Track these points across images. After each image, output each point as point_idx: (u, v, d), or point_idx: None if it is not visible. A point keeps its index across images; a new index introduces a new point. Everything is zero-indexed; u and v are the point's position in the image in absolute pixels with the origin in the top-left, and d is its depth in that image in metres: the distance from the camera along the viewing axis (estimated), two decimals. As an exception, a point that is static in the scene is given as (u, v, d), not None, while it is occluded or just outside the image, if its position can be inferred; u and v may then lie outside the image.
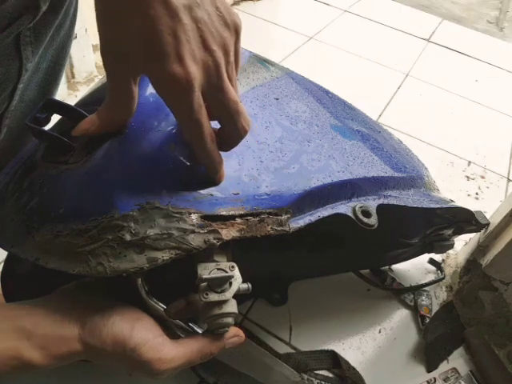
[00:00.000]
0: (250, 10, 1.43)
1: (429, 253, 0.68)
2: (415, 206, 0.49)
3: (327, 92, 0.57)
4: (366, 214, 0.41)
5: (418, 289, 0.68)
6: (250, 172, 0.36)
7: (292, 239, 0.50)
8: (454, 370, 0.60)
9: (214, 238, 0.32)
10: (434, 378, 0.59)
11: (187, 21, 0.26)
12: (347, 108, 0.57)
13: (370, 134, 0.53)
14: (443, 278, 0.70)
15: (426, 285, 0.68)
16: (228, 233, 0.32)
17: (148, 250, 0.30)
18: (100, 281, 0.34)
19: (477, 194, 0.92)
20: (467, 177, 0.96)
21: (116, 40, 0.27)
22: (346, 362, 0.58)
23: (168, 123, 0.34)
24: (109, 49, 0.28)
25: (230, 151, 0.33)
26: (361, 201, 0.43)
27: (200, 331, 0.36)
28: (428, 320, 0.64)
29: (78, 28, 0.90)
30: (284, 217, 0.36)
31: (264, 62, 0.51)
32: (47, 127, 0.33)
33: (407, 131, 1.04)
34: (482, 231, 0.65)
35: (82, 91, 0.96)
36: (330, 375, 0.57)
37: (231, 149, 0.33)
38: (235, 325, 0.35)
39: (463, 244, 0.74)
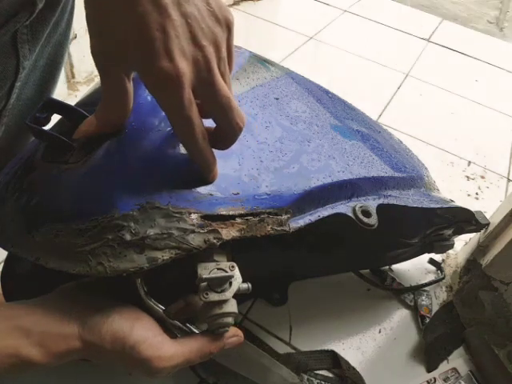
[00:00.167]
0: (250, 10, 1.43)
1: (429, 253, 0.68)
2: (415, 205, 0.49)
3: (327, 92, 0.57)
4: (366, 213, 0.41)
5: (417, 289, 0.68)
6: (250, 172, 0.36)
7: (292, 239, 0.50)
8: (454, 369, 0.60)
9: (214, 238, 0.32)
10: (434, 378, 0.59)
11: (176, 16, 0.26)
12: (347, 108, 0.57)
13: (369, 134, 0.53)
14: (443, 278, 0.70)
15: (426, 285, 0.68)
16: (228, 233, 0.32)
17: (148, 249, 0.30)
18: (100, 281, 0.34)
19: (477, 194, 0.92)
20: (467, 177, 0.96)
21: (105, 38, 0.27)
22: (346, 362, 0.58)
23: (168, 123, 0.34)
24: (99, 48, 0.28)
25: (229, 151, 0.33)
26: (361, 201, 0.43)
27: (197, 332, 0.36)
28: (428, 320, 0.64)
29: (78, 28, 0.89)
30: (284, 217, 0.36)
31: (264, 61, 0.51)
32: (47, 127, 0.33)
33: (407, 131, 1.04)
34: (482, 231, 0.65)
35: (82, 91, 0.96)
36: (330, 375, 0.57)
37: (228, 147, 0.33)
38: (234, 325, 0.35)
39: (463, 244, 0.74)
